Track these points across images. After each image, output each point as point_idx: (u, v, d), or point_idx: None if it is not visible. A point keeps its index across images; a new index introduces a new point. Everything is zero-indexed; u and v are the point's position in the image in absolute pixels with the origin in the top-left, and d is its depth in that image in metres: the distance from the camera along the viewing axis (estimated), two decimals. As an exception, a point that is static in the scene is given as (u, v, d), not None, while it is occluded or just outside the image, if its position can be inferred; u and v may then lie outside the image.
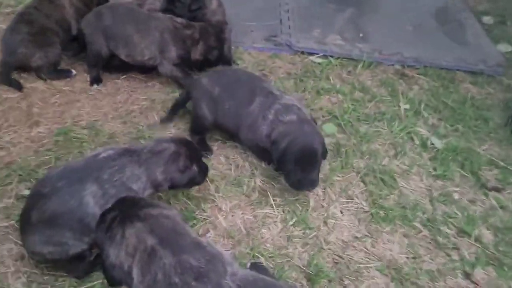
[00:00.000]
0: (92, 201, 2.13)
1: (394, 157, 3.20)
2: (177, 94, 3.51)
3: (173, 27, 3.44)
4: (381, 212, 2.80)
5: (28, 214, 2.20)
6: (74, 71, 3.66)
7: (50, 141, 3.07)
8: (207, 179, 2.66)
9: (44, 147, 3.02)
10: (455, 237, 2.73)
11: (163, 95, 3.53)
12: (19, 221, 2.31)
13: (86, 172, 2.18)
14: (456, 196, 2.97)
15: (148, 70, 3.71)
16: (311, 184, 2.70)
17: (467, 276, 2.53)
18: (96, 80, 3.59)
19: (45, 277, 2.34)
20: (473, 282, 2.51)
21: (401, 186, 2.99)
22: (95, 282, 2.32)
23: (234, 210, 2.70)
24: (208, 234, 2.54)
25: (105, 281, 2.23)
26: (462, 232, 2.75)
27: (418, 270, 2.52)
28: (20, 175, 2.81)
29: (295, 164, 2.63)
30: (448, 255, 2.63)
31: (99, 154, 2.28)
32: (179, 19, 3.54)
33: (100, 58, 3.56)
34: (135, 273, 1.69)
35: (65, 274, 2.33)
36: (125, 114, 3.34)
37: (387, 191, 2.93)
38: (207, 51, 3.52)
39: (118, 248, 1.73)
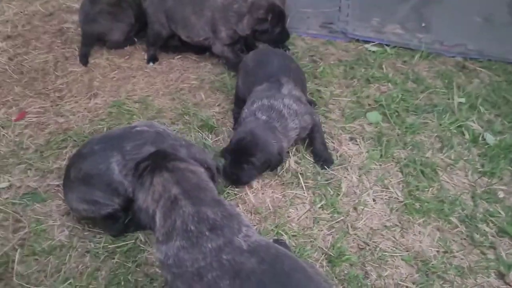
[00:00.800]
0: (117, 168, 2.30)
1: (439, 151, 3.08)
2: (226, 75, 3.62)
3: (221, 5, 3.49)
4: (416, 203, 2.72)
5: (68, 171, 2.42)
6: (136, 40, 3.94)
7: (104, 112, 3.30)
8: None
9: (98, 117, 3.26)
10: (494, 236, 2.59)
11: (212, 75, 3.65)
12: (63, 178, 2.53)
13: (117, 140, 2.35)
14: (501, 194, 2.82)
15: (201, 51, 3.85)
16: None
17: (501, 276, 2.41)
18: (152, 59, 3.79)
19: (85, 233, 2.55)
20: (506, 283, 2.38)
21: (442, 180, 2.88)
22: (129, 242, 2.49)
23: (264, 188, 2.76)
24: (237, 209, 2.61)
25: (138, 241, 2.43)
26: (502, 232, 2.61)
27: (447, 264, 2.43)
28: (74, 140, 3.05)
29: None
30: (483, 253, 2.51)
31: (135, 126, 2.43)
32: None
33: (160, 38, 3.74)
34: (158, 217, 1.82)
35: (102, 231, 2.53)
36: (174, 91, 3.50)
37: (426, 183, 2.84)
38: (254, 23, 3.42)
39: (146, 194, 1.87)
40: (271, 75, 2.92)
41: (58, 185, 2.76)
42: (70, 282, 2.29)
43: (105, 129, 3.14)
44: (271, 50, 3.31)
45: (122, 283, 2.31)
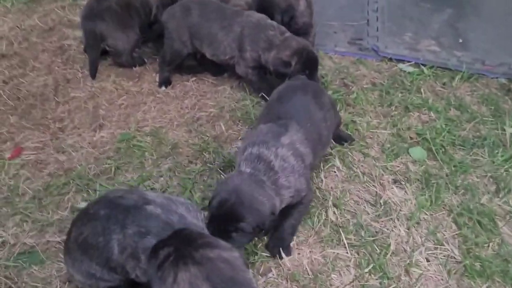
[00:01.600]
0: (117, 249, 1.86)
1: (495, 194, 2.69)
2: (248, 102, 3.22)
3: (256, 23, 3.11)
4: (476, 264, 2.33)
5: (71, 229, 2.02)
6: (147, 61, 3.58)
7: (111, 148, 2.91)
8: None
9: (105, 154, 2.87)
10: None
11: (233, 102, 3.25)
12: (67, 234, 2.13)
13: (123, 214, 1.87)
14: None
15: (219, 73, 3.47)
16: None
17: None
18: (165, 82, 3.40)
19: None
20: None
21: (503, 233, 2.49)
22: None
23: (301, 247, 2.37)
24: (270, 274, 2.23)
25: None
26: None
27: None
28: (78, 185, 2.66)
29: None
30: (561, 330, 2.13)
31: (148, 202, 1.90)
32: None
33: (179, 57, 3.35)
34: None
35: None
36: (191, 122, 3.10)
37: (485, 237, 2.45)
38: (278, 63, 3.06)
39: None
40: (281, 115, 2.44)
41: (59, 242, 2.37)
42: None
43: (113, 169, 2.75)
44: (302, 84, 2.72)
45: None
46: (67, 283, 2.22)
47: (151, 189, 2.64)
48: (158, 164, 2.80)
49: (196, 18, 3.18)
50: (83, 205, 2.47)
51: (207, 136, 2.98)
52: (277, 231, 2.33)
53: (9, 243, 2.39)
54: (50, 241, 2.39)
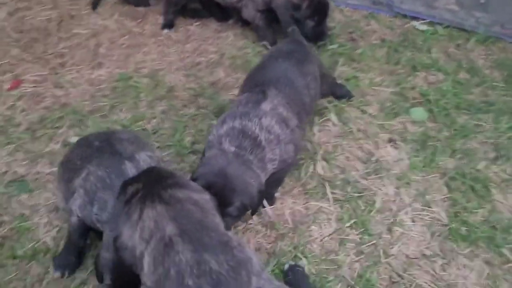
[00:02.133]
0: (83, 177, 1.90)
1: (493, 161, 2.61)
2: (249, 49, 3.15)
3: None
4: (462, 228, 2.29)
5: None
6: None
7: (108, 86, 2.90)
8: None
9: (101, 92, 2.86)
10: (555, 278, 2.17)
11: (234, 49, 3.18)
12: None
13: (110, 157, 1.90)
14: None
15: (224, 18, 3.38)
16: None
17: (561, 330, 2.01)
18: (169, 25, 3.34)
19: (74, 236, 2.20)
20: None
21: (495, 200, 2.42)
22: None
23: (284, 196, 2.35)
24: (250, 221, 2.24)
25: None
26: None
27: (495, 311, 2.04)
28: (71, 120, 2.68)
29: None
30: (541, 299, 2.10)
31: (133, 158, 1.94)
32: None
33: None
34: (147, 261, 1.43)
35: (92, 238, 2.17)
36: (190, 66, 3.06)
37: (476, 203, 2.39)
38: (289, 6, 2.96)
39: (132, 229, 1.48)
40: (258, 83, 2.24)
41: (49, 173, 2.41)
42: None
43: (107, 107, 2.75)
44: (287, 50, 2.47)
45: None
46: (53, 212, 2.27)
47: (142, 129, 2.64)
48: (152, 105, 2.79)
49: None
50: (75, 139, 2.49)
51: (204, 81, 2.93)
52: None
53: (1, 170, 2.43)
54: (40, 171, 2.44)
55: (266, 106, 2.09)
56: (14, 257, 2.10)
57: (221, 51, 3.17)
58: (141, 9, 3.47)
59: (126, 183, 1.58)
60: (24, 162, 2.48)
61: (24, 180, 2.40)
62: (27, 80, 2.93)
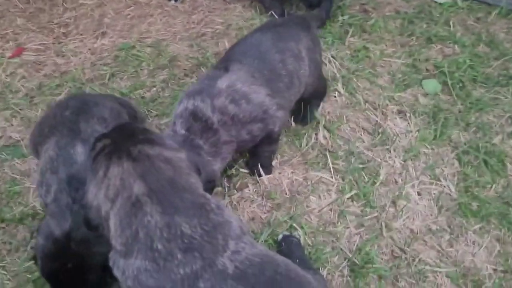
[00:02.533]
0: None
1: (510, 136, 2.44)
2: (257, 20, 3.04)
3: None
4: (473, 203, 2.14)
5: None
6: None
7: (110, 55, 2.84)
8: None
9: (102, 60, 2.80)
10: None
11: (241, 20, 3.07)
12: None
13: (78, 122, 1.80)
14: None
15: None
16: None
17: None
18: (176, -5, 3.25)
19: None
20: None
21: (511, 175, 2.27)
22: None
23: (283, 166, 2.24)
24: (246, 190, 2.14)
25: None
26: None
27: (506, 289, 1.89)
28: (70, 87, 2.62)
29: None
30: (555, 279, 1.94)
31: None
32: None
33: None
34: (112, 222, 1.33)
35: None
36: (195, 37, 2.96)
37: (489, 178, 2.23)
38: None
39: (98, 187, 1.37)
40: (225, 58, 2.06)
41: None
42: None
43: (107, 76, 2.69)
44: (285, 21, 2.28)
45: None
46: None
47: (141, 97, 2.56)
48: (153, 74, 2.71)
49: None
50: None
51: (209, 51, 2.83)
52: (255, 155, 2.19)
53: (-4, 135, 2.41)
54: (34, 137, 2.38)
55: (222, 83, 1.89)
56: (2, 220, 2.07)
57: (227, 22, 3.07)
58: (147, -20, 3.39)
59: (97, 139, 1.48)
60: (20, 128, 2.44)
61: (18, 145, 2.36)
62: (29, 49, 2.90)
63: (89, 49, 2.89)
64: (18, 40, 2.95)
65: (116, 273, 1.32)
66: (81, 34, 3.00)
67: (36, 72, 2.74)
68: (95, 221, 1.38)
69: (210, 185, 1.85)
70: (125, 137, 1.43)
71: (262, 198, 2.13)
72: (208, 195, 1.43)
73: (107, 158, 1.37)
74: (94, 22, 3.09)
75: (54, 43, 2.94)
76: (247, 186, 2.16)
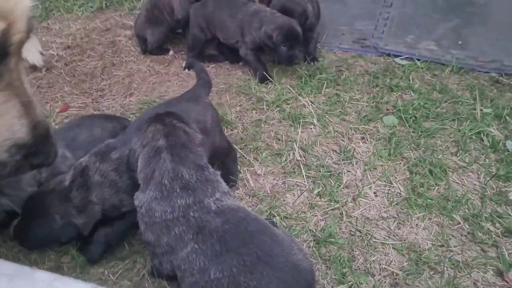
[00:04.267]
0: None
1: (454, 154, 3.02)
2: (252, 80, 3.82)
3: (253, 11, 3.73)
4: (418, 199, 2.67)
5: None
6: (172, 51, 4.30)
7: (135, 107, 3.60)
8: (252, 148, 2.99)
9: (128, 111, 3.56)
10: (498, 236, 2.47)
11: (240, 81, 3.86)
12: None
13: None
14: (513, 197, 2.69)
15: (235, 61, 4.11)
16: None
17: (499, 273, 2.28)
18: (189, 66, 4.07)
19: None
20: (504, 280, 2.25)
21: (452, 180, 2.81)
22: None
23: (266, 175, 2.85)
24: (237, 191, 2.73)
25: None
26: (508, 232, 2.48)
27: (441, 257, 2.35)
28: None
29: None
30: (484, 250, 2.40)
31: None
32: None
33: (199, 42, 4.04)
34: (140, 161, 1.99)
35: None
36: (202, 93, 3.74)
37: (433, 182, 2.78)
38: (264, 37, 3.59)
39: (138, 137, 2.05)
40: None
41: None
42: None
43: (132, 120, 3.42)
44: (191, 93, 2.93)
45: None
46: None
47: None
48: (169, 119, 3.44)
49: (211, 8, 3.89)
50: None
51: (213, 102, 3.57)
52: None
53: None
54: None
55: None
56: None
57: (229, 83, 3.85)
58: (168, 57, 4.28)
59: (150, 117, 2.12)
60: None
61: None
62: (73, 106, 3.68)
63: (120, 105, 3.67)
64: (65, 101, 3.77)
65: (136, 203, 1.94)
66: (114, 95, 3.80)
67: (78, 121, 3.51)
68: (129, 162, 2.07)
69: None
70: (166, 114, 2.12)
71: (249, 196, 2.71)
72: (209, 165, 2.06)
73: (149, 122, 2.08)
74: (124, 87, 3.90)
75: (92, 102, 3.73)
76: (238, 189, 2.75)
